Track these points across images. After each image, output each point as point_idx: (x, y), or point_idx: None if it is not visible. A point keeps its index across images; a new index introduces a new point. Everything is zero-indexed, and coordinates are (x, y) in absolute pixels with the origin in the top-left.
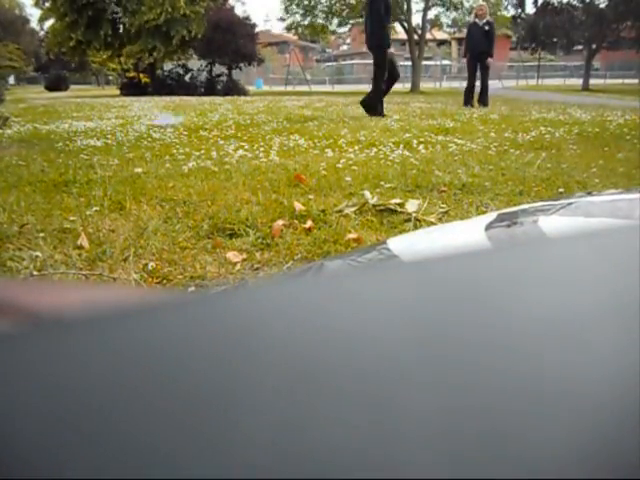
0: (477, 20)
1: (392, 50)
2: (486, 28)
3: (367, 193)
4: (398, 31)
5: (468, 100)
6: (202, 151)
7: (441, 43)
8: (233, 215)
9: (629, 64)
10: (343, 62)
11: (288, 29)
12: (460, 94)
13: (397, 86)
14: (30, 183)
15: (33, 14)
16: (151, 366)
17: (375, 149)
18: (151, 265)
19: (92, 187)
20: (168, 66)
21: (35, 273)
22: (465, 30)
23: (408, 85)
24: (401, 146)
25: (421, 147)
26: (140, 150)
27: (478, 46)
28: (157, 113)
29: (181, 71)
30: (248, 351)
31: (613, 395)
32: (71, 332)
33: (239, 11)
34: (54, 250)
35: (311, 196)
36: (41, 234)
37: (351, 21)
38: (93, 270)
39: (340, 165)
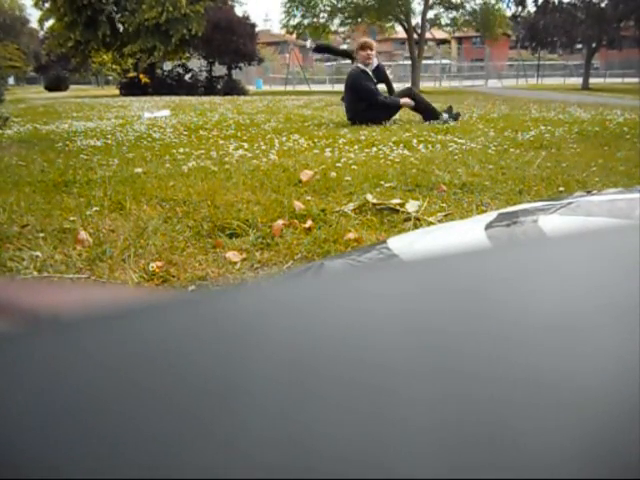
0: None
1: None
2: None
3: (369, 196)
4: (398, 30)
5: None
6: (202, 151)
7: (441, 42)
8: (233, 215)
9: (629, 63)
10: (343, 61)
11: (290, 32)
12: (460, 93)
13: (397, 85)
14: (30, 183)
15: (33, 14)
16: (151, 366)
17: (375, 148)
18: (152, 266)
19: (92, 187)
20: (168, 66)
21: (35, 274)
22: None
23: (408, 84)
24: (401, 145)
25: (421, 146)
26: (140, 150)
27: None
28: (154, 110)
29: (181, 71)
30: (248, 351)
31: (613, 395)
32: (71, 332)
33: (239, 11)
34: (54, 250)
35: (309, 197)
36: (41, 234)
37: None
38: (93, 270)
39: (340, 164)
